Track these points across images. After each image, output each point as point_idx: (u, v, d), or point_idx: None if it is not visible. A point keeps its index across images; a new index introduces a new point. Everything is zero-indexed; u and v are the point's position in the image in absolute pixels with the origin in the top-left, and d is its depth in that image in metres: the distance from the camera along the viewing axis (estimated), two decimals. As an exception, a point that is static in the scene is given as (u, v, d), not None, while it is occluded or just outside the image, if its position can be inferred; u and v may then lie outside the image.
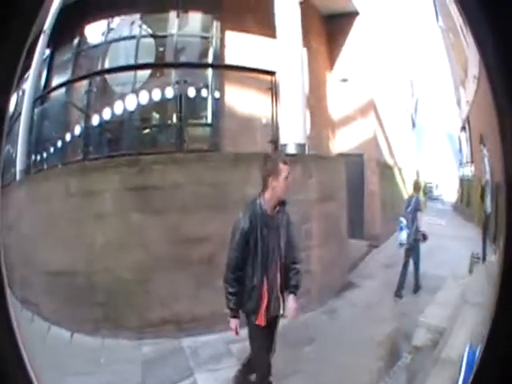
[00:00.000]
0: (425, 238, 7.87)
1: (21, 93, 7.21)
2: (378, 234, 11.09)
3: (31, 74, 7.32)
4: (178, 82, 7.80)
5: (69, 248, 5.48)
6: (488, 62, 1.13)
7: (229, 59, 8.52)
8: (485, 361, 1.21)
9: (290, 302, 4.02)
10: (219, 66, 8.61)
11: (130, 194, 5.88)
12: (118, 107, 7.51)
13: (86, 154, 7.63)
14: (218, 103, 8.25)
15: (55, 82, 8.17)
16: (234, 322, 3.95)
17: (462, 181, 20.24)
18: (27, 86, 7.37)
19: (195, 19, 8.55)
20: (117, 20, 8.15)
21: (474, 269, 6.93)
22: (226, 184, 5.93)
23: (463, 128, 21.08)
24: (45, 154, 7.64)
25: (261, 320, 3.93)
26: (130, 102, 7.51)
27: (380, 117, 12.51)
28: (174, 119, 8.04)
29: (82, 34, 8.25)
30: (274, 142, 7.75)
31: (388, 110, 14.73)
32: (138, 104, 7.54)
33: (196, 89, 7.89)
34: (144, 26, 8.11)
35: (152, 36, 8.18)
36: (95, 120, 7.59)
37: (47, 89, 8.05)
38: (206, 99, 8.14)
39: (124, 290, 5.66)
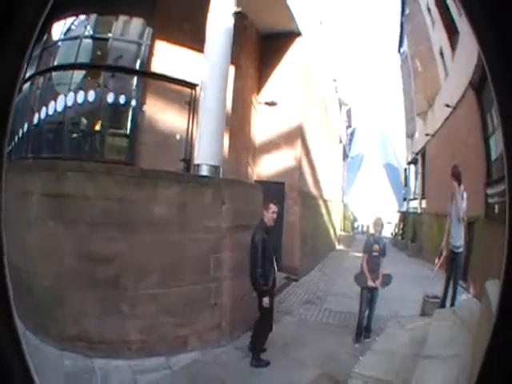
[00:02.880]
0: (389, 281, 7.71)
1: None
2: (297, 267, 11.25)
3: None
4: (99, 86, 7.97)
5: (17, 246, 5.33)
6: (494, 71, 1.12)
7: (155, 67, 8.70)
8: None
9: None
10: (142, 73, 8.74)
11: (47, 200, 5.83)
12: (52, 108, 7.80)
13: (28, 152, 7.92)
14: (137, 113, 8.39)
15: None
16: (265, 299, 6.13)
17: (406, 216, 21.06)
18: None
19: (131, 25, 8.87)
20: (70, 20, 8.62)
21: (434, 314, 6.88)
22: (132, 201, 5.89)
23: (412, 162, 22.01)
24: (9, 147, 7.62)
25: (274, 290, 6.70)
26: (60, 103, 7.76)
27: (308, 145, 12.77)
28: (97, 126, 8.25)
29: (49, 31, 8.60)
30: (187, 160, 7.89)
31: (319, 138, 15.15)
32: (65, 106, 7.78)
33: (115, 95, 8.03)
34: (88, 28, 8.56)
35: (92, 38, 8.56)
36: (37, 118, 7.94)
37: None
38: (126, 107, 8.31)
39: (47, 298, 5.67)
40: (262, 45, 12.03)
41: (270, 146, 12.00)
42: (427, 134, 17.56)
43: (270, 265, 6.27)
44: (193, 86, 8.13)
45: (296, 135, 11.95)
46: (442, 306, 7.52)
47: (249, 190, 8.08)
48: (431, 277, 8.85)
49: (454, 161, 11.38)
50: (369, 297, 7.52)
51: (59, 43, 8.71)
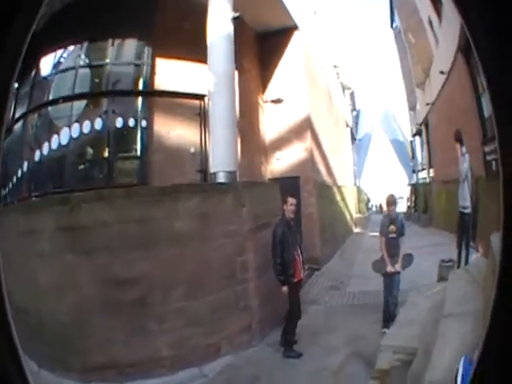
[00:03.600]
0: (410, 262, 7.40)
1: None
2: (318, 256, 11.26)
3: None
4: (106, 112, 7.91)
5: (22, 286, 5.36)
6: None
7: (159, 85, 8.64)
8: (483, 370, 1.16)
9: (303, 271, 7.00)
10: (147, 93, 8.70)
11: (62, 234, 5.80)
12: (55, 142, 7.73)
13: (31, 191, 7.88)
14: (147, 133, 8.35)
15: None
16: (284, 288, 6.51)
17: (416, 187, 20.91)
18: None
19: (128, 47, 8.80)
20: (61, 52, 8.52)
21: (450, 275, 6.98)
22: (152, 220, 5.93)
23: (417, 133, 21.81)
24: (6, 189, 7.83)
25: (298, 277, 6.75)
26: (64, 136, 7.71)
27: (317, 136, 12.70)
28: (105, 153, 8.13)
29: (37, 67, 8.56)
30: (203, 171, 7.96)
31: (326, 127, 15.12)
32: (71, 138, 7.73)
33: (124, 119, 8.01)
34: (82, 57, 8.46)
35: (89, 66, 8.52)
36: (38, 156, 7.86)
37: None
38: (134, 130, 8.26)
39: (65, 334, 5.58)
40: (261, 44, 12.01)
41: (281, 142, 12.01)
42: (427, 104, 17.45)
43: (290, 256, 6.54)
44: (201, 97, 8.18)
45: (305, 127, 11.94)
46: (458, 267, 7.64)
47: (266, 190, 8.30)
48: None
49: (452, 126, 11.45)
50: (389, 282, 7.23)
51: (50, 77, 8.65)
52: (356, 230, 19.96)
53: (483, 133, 10.00)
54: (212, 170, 7.58)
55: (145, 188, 7.36)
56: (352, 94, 28.03)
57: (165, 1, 8.77)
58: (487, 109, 9.72)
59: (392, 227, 7.26)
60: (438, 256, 8.20)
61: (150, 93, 8.71)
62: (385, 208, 8.36)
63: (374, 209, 28.40)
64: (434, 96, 16.25)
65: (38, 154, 7.93)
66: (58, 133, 7.84)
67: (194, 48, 8.18)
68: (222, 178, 7.40)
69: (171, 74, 8.70)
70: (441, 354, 4.33)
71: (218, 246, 6.41)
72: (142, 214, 5.89)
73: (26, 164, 8.04)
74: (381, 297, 7.42)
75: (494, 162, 8.90)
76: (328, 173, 14.89)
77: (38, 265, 5.75)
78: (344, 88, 25.02)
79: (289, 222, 6.82)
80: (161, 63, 8.77)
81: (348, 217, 19.18)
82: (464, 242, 7.77)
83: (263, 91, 12.25)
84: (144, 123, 8.36)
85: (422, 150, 20.73)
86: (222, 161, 7.53)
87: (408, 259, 7.36)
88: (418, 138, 21.96)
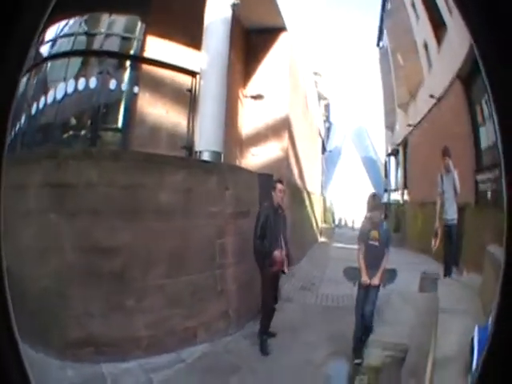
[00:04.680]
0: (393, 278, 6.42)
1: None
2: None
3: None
4: (100, 73, 7.73)
5: (8, 246, 4.76)
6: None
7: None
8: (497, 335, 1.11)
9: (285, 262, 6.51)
10: (141, 59, 8.52)
11: (47, 191, 5.32)
12: (50, 97, 7.50)
13: (23, 145, 7.60)
14: (135, 101, 8.16)
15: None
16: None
17: (388, 207, 21.07)
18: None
19: (123, 20, 8.78)
20: (63, 22, 8.44)
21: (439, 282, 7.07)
22: (138, 187, 5.54)
23: (392, 153, 22.04)
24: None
25: (278, 266, 6.32)
26: (59, 92, 7.49)
27: (293, 137, 12.71)
28: (94, 114, 7.97)
29: (46, 26, 8.13)
30: (188, 148, 7.69)
31: (301, 131, 15.07)
32: (65, 94, 7.50)
33: (117, 81, 7.93)
34: (82, 24, 8.45)
35: (86, 34, 8.45)
36: (34, 110, 7.65)
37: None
38: (125, 94, 8.15)
39: (48, 302, 5.08)
40: (248, 40, 11.84)
41: (257, 138, 11.80)
42: (409, 125, 17.66)
43: (271, 244, 6.22)
44: (193, 73, 7.95)
45: (283, 126, 11.80)
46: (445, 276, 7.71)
47: (248, 177, 8.00)
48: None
49: (438, 149, 11.52)
50: (363, 295, 6.07)
51: (53, 42, 8.42)
52: (321, 239, 19.92)
53: (477, 161, 10.18)
54: (197, 148, 7.34)
55: (132, 152, 6.99)
56: (327, 106, 28.19)
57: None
58: (485, 139, 9.82)
59: (374, 233, 6.19)
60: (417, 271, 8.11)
61: (146, 59, 8.36)
62: (366, 210, 6.57)
63: (338, 222, 28.54)
64: (418, 118, 16.45)
65: (34, 108, 7.65)
66: (54, 88, 7.57)
67: (189, 29, 8.12)
68: (206, 158, 7.17)
69: (161, 52, 8.46)
70: (446, 332, 4.63)
71: (200, 225, 6.14)
72: (128, 179, 5.46)
73: (23, 118, 7.69)
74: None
75: (489, 192, 9.13)
76: (300, 176, 14.75)
77: (22, 223, 5.10)
78: (320, 98, 25.07)
79: (276, 209, 6.53)
80: (152, 40, 8.57)
81: (314, 224, 19.09)
82: (452, 252, 7.93)
83: (244, 86, 12.04)
84: (136, 89, 8.12)
85: (397, 171, 20.94)
86: (208, 140, 7.32)
87: (390, 274, 6.38)
88: (392, 158, 22.18)
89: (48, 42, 8.37)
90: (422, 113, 15.99)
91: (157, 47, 8.46)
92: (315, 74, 21.15)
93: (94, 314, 5.12)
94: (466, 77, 10.74)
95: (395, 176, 21.55)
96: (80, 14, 8.42)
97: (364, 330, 6.00)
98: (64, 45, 8.38)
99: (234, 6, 7.87)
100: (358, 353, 5.84)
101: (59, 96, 7.52)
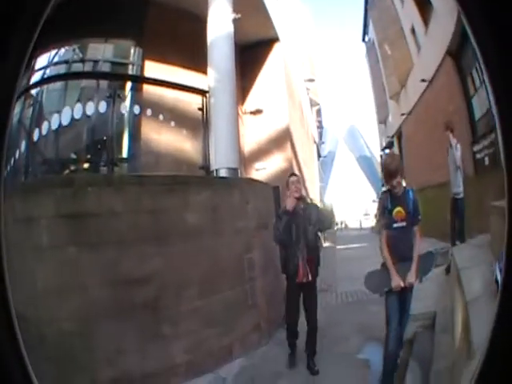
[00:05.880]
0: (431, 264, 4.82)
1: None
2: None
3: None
4: (110, 96, 7.39)
5: (19, 288, 4.34)
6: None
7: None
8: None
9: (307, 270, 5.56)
10: (150, 80, 8.43)
11: (65, 222, 4.69)
12: (54, 123, 7.03)
13: (28, 173, 7.13)
14: (147, 125, 8.23)
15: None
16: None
17: None
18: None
19: (119, 46, 8.95)
20: (54, 51, 8.47)
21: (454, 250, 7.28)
22: (164, 211, 5.27)
23: (387, 147, 22.08)
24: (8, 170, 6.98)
25: (298, 278, 5.49)
26: (64, 117, 7.09)
27: (295, 147, 12.72)
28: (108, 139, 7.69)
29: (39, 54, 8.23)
30: (206, 167, 7.52)
31: (301, 139, 15.08)
32: (72, 118, 7.12)
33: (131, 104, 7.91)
34: (77, 51, 8.51)
35: (81, 61, 8.54)
36: (36, 136, 7.19)
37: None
38: (134, 120, 8.15)
39: (68, 345, 4.47)
40: (242, 56, 11.57)
41: (260, 153, 11.88)
42: (402, 114, 17.70)
43: (291, 250, 5.49)
44: (203, 92, 7.76)
45: (285, 138, 11.90)
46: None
47: (264, 189, 7.92)
48: None
49: (433, 132, 11.56)
50: (394, 304, 4.51)
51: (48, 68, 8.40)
52: (325, 244, 20.01)
53: (472, 133, 10.25)
54: (214, 166, 7.23)
55: (154, 176, 6.63)
56: (319, 111, 28.30)
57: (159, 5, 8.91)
58: (478, 109, 9.86)
59: (398, 210, 4.47)
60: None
61: (155, 80, 8.14)
62: (383, 182, 4.86)
63: (338, 226, 28.52)
64: (411, 105, 16.48)
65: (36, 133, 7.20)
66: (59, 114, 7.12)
67: (193, 47, 8.25)
68: (224, 175, 7.08)
69: (170, 70, 8.77)
70: (469, 281, 4.64)
71: (228, 242, 6.00)
72: (153, 203, 5.19)
73: (23, 144, 7.27)
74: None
75: (486, 158, 9.48)
76: (303, 185, 14.63)
77: (35, 260, 4.63)
78: (312, 104, 25.17)
79: (290, 212, 5.55)
80: (150, 65, 8.93)
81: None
82: (458, 225, 8.03)
83: (242, 102, 12.08)
84: (149, 112, 8.03)
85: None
86: (223, 158, 7.22)
87: (428, 261, 4.70)
88: (388, 151, 22.22)
89: (61, 63, 8.48)
90: (414, 99, 16.22)
91: (161, 70, 8.59)
92: (308, 80, 21.19)
93: (127, 350, 4.73)
94: (456, 50, 10.90)
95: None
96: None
97: (400, 343, 4.69)
98: (75, 68, 8.49)
99: (235, 20, 7.86)
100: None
101: (65, 122, 7.05)
